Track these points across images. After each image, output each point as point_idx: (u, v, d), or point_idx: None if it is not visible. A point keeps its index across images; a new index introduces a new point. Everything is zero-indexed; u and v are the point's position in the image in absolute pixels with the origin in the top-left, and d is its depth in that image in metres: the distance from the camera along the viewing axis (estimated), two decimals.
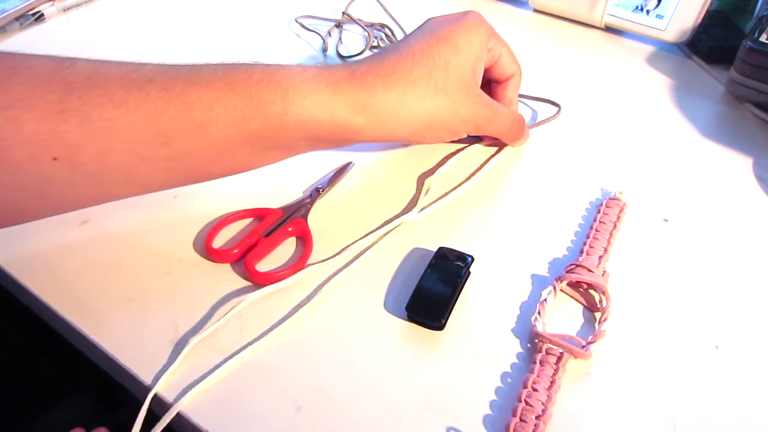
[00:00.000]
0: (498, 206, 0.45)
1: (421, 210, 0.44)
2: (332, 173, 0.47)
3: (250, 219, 0.43)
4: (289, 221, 0.42)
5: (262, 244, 0.40)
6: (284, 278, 0.38)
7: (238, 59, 0.62)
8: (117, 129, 0.32)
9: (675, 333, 0.37)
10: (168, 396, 0.32)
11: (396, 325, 0.36)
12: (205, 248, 0.40)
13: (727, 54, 0.58)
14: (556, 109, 0.55)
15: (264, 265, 0.39)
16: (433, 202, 0.45)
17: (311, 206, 0.43)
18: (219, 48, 0.63)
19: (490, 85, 0.48)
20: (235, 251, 0.39)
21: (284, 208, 0.43)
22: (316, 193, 0.44)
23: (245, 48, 0.63)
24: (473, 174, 0.47)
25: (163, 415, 0.32)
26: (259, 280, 0.38)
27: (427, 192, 0.45)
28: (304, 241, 0.41)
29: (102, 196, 0.37)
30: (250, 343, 0.35)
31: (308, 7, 0.69)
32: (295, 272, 0.39)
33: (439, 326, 0.36)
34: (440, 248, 0.39)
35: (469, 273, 0.39)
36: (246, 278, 0.39)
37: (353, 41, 0.65)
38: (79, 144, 0.32)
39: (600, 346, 0.35)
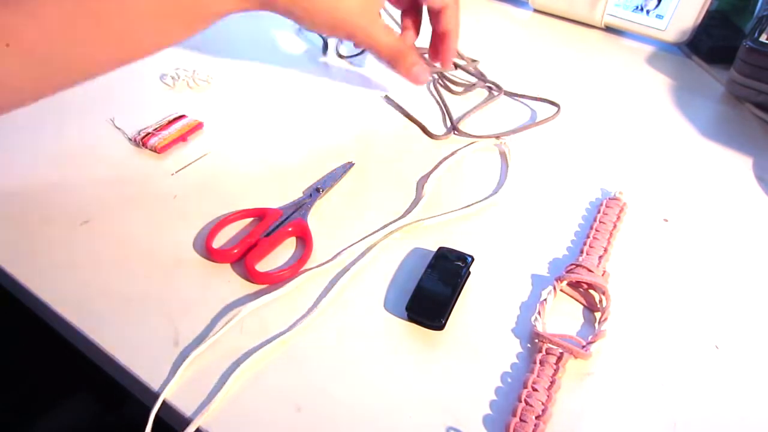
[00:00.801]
0: (498, 206, 0.45)
1: (421, 211, 0.44)
2: (332, 173, 0.47)
3: (250, 219, 0.43)
4: (289, 221, 0.42)
5: (262, 244, 0.40)
6: (284, 278, 0.38)
7: (238, 57, 0.62)
8: (52, 15, 0.36)
9: (675, 333, 0.37)
10: (168, 396, 0.32)
11: (396, 325, 0.36)
12: (205, 248, 0.40)
13: (727, 54, 0.58)
14: (556, 108, 0.55)
15: (264, 265, 0.39)
16: (433, 199, 0.45)
17: (311, 206, 0.43)
18: (218, 48, 0.63)
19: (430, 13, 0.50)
20: (235, 251, 0.39)
21: (284, 208, 0.43)
22: (316, 193, 0.44)
23: (245, 47, 0.63)
24: (472, 171, 0.48)
25: (160, 411, 0.32)
26: (259, 280, 0.38)
27: (426, 193, 0.45)
28: (304, 241, 0.41)
29: (51, 83, 0.39)
30: (250, 344, 0.35)
31: None
32: (295, 272, 0.39)
33: (439, 326, 0.36)
34: (440, 248, 0.39)
35: (469, 273, 0.39)
36: (246, 278, 0.39)
37: None
38: (23, 30, 0.35)
39: (600, 346, 0.35)
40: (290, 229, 0.41)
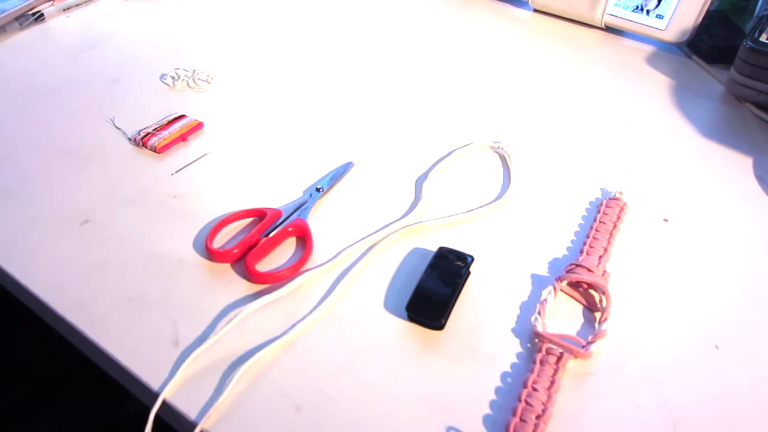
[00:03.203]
0: (498, 206, 0.45)
1: (421, 211, 0.44)
2: (332, 173, 0.47)
3: (251, 219, 0.43)
4: (289, 221, 0.42)
5: (263, 244, 0.40)
6: (284, 278, 0.38)
7: (238, 57, 0.62)
8: None
9: (675, 333, 0.37)
10: (168, 396, 0.32)
11: (396, 325, 0.36)
12: (205, 248, 0.40)
13: (727, 54, 0.58)
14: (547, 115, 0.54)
15: (264, 265, 0.39)
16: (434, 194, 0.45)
17: (311, 206, 0.43)
18: (218, 48, 0.63)
19: None
20: (236, 251, 0.39)
21: (284, 208, 0.43)
22: (316, 193, 0.44)
23: (245, 47, 0.63)
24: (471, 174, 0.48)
25: (160, 411, 0.32)
26: (259, 280, 0.38)
27: (426, 194, 0.45)
28: (305, 240, 0.41)
29: None
30: (250, 345, 0.35)
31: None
32: (295, 272, 0.39)
33: (439, 326, 0.36)
34: (440, 248, 0.39)
35: (469, 273, 0.39)
36: (246, 278, 0.39)
37: None
38: None
39: (600, 346, 0.35)
40: (290, 229, 0.41)
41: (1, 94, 0.55)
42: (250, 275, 0.38)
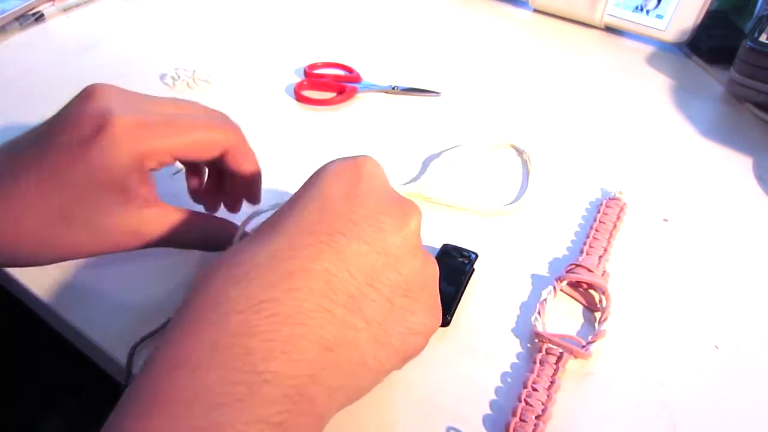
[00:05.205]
0: (498, 206, 0.45)
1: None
2: None
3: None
4: None
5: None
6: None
7: (238, 57, 0.62)
8: None
9: (675, 333, 0.37)
10: None
11: None
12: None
13: (727, 54, 0.58)
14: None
15: None
16: (434, 196, 0.45)
17: None
18: (218, 48, 0.63)
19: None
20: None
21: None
22: None
23: (245, 47, 0.63)
24: (474, 172, 0.48)
25: None
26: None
27: (430, 181, 0.45)
28: None
29: None
30: None
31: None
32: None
33: (445, 322, 0.36)
34: (444, 245, 0.39)
35: (473, 270, 0.39)
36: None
37: None
38: None
39: (600, 346, 0.35)
40: None
41: (1, 95, 0.55)
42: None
